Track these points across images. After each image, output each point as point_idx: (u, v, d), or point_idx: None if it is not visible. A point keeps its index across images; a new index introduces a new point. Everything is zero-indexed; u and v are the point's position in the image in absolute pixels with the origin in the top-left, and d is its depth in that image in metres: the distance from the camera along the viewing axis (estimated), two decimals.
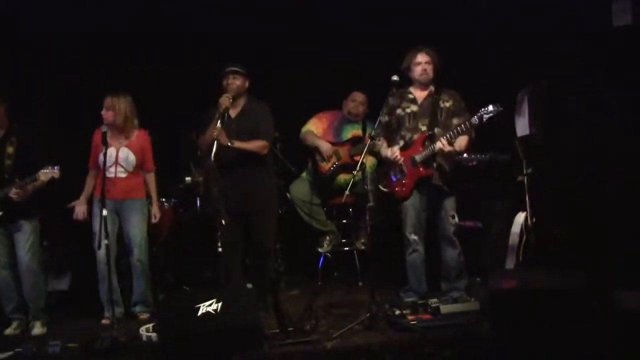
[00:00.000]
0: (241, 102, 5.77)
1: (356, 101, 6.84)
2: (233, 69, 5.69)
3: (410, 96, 5.81)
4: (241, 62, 5.77)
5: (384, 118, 5.79)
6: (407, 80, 5.80)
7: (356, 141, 6.76)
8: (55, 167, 5.52)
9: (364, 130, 6.66)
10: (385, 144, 5.85)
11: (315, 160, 6.78)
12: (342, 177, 6.70)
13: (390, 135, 5.86)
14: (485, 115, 5.37)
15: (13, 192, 5.60)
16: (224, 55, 6.13)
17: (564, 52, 6.23)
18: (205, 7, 7.23)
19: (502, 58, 6.59)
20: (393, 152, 5.75)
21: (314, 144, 6.76)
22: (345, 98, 6.92)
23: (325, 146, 6.72)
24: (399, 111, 5.80)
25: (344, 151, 6.74)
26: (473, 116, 5.45)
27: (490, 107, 5.36)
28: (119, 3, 7.06)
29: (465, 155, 5.96)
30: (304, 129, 6.87)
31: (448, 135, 5.53)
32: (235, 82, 5.68)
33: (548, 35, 6.41)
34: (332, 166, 6.70)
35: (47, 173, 5.51)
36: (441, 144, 5.52)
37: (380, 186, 5.96)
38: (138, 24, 7.17)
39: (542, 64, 6.35)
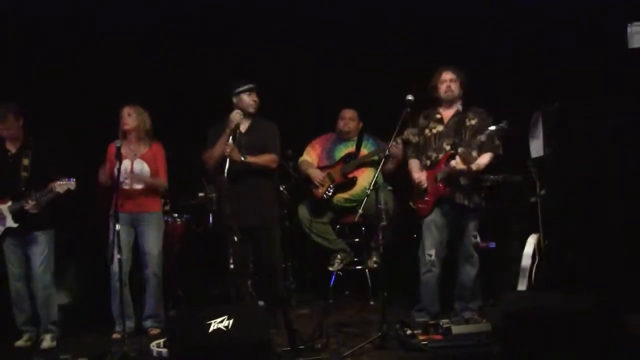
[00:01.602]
0: (250, 118, 5.81)
1: (345, 118, 6.83)
2: (251, 86, 5.77)
3: (438, 116, 5.86)
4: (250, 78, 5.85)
5: (414, 139, 5.82)
6: (434, 100, 5.86)
7: (348, 158, 6.75)
8: (72, 179, 5.56)
9: (358, 145, 6.66)
10: (415, 162, 5.91)
11: (311, 189, 6.78)
12: (341, 197, 6.69)
13: (419, 156, 5.93)
14: (493, 133, 5.44)
15: (29, 205, 5.63)
16: (233, 73, 6.19)
17: (578, 73, 6.23)
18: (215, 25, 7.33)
19: (516, 79, 6.61)
20: (418, 177, 5.80)
21: (306, 173, 6.78)
22: (336, 118, 6.92)
23: (314, 173, 6.73)
24: (427, 132, 5.86)
25: (336, 172, 6.73)
26: (482, 134, 5.48)
27: (499, 125, 5.42)
28: (131, 19, 7.12)
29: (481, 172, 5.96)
30: (300, 160, 6.91)
31: (465, 154, 5.54)
32: (255, 99, 5.76)
33: (563, 57, 6.42)
34: (327, 190, 6.68)
35: (63, 185, 5.54)
36: (454, 162, 5.54)
37: (410, 203, 5.97)
38: (151, 40, 7.25)
39: (556, 85, 6.35)
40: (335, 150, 6.87)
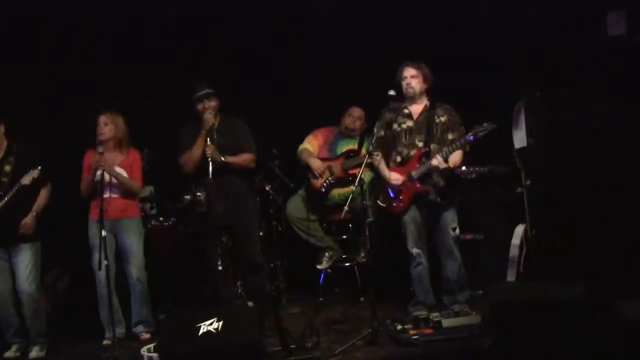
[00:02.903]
0: (217, 120, 5.85)
1: (353, 116, 6.85)
2: (207, 92, 5.83)
3: (406, 111, 5.83)
4: (207, 80, 5.93)
5: (380, 133, 5.80)
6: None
7: (350, 154, 6.76)
8: (37, 168, 5.54)
9: (360, 145, 6.67)
10: (382, 161, 5.85)
11: (308, 178, 6.78)
12: (336, 192, 6.70)
13: (386, 150, 5.88)
14: (479, 133, 5.46)
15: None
16: (225, 72, 6.15)
17: (559, 62, 6.24)
18: (203, 25, 7.28)
19: (498, 70, 6.61)
20: (396, 178, 5.76)
21: (306, 162, 6.77)
22: (342, 113, 6.92)
23: (315, 163, 6.73)
24: (395, 126, 5.82)
25: (337, 166, 6.75)
26: (467, 133, 5.52)
27: (485, 125, 5.44)
28: (116, 15, 7.10)
29: (463, 168, 5.99)
30: (300, 147, 6.88)
31: (443, 152, 5.56)
32: (211, 104, 5.81)
33: (543, 45, 6.43)
34: (325, 182, 6.69)
35: (28, 175, 5.53)
36: (437, 162, 5.55)
37: (378, 201, 5.95)
38: (135, 38, 7.21)
39: (537, 75, 6.36)
40: (337, 144, 6.89)
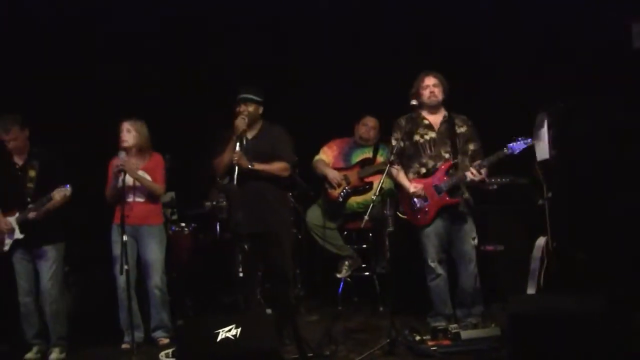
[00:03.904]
0: (257, 126, 5.71)
1: (367, 125, 6.85)
2: (244, 96, 5.63)
3: (426, 122, 5.80)
4: (256, 85, 5.73)
5: (400, 144, 5.76)
6: (411, 106, 5.74)
7: (365, 163, 6.77)
8: (67, 185, 5.56)
9: (374, 153, 6.65)
10: (402, 172, 5.81)
11: (325, 188, 6.78)
12: (354, 200, 6.71)
13: (406, 161, 5.83)
14: (517, 149, 5.47)
15: (31, 214, 5.65)
16: (241, 79, 6.15)
17: (583, 73, 6.22)
18: (220, 34, 7.33)
19: (520, 80, 6.60)
20: (415, 187, 5.70)
21: (323, 173, 6.77)
22: (356, 123, 6.92)
23: (332, 174, 6.73)
24: (416, 137, 5.77)
25: (353, 174, 6.75)
26: (505, 148, 5.51)
27: (528, 140, 5.49)
28: (138, 25, 7.16)
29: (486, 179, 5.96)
30: (315, 158, 6.90)
31: (477, 165, 5.56)
32: (247, 109, 5.59)
33: (567, 56, 6.41)
34: (342, 192, 6.69)
35: (60, 191, 5.55)
36: (472, 175, 5.53)
37: (398, 213, 5.93)
38: (157, 45, 7.27)
39: (561, 85, 6.34)
40: (352, 154, 6.90)
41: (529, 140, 5.49)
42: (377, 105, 6.87)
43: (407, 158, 5.82)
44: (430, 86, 5.74)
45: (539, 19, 6.62)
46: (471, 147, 5.69)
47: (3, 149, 5.80)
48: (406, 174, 5.80)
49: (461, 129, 5.75)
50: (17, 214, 5.72)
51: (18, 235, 5.73)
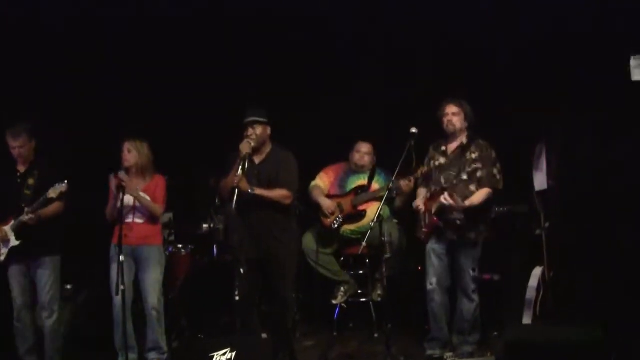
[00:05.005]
0: (266, 149, 5.71)
1: (361, 152, 6.84)
2: (250, 119, 5.63)
3: (442, 148, 5.90)
4: (262, 106, 5.73)
5: (423, 169, 5.86)
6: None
7: (360, 190, 6.76)
8: (64, 182, 5.58)
9: (370, 179, 6.66)
10: (421, 194, 5.94)
11: (319, 216, 6.79)
12: (347, 228, 6.69)
13: (426, 186, 5.96)
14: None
15: (27, 217, 5.64)
16: (242, 104, 6.16)
17: (581, 104, 6.26)
18: (224, 55, 7.38)
19: (520, 110, 6.63)
20: (416, 205, 5.83)
21: (317, 201, 6.77)
22: (351, 150, 6.93)
23: (325, 203, 6.71)
24: (432, 163, 5.90)
25: (346, 202, 6.73)
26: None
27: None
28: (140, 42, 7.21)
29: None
30: (312, 183, 6.88)
31: (451, 188, 5.61)
32: (255, 132, 5.58)
33: (565, 87, 6.45)
34: (335, 220, 6.68)
35: (56, 189, 5.57)
36: (442, 198, 5.57)
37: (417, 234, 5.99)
38: (156, 68, 7.30)
39: (560, 116, 6.37)
40: (347, 180, 6.88)
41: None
42: (371, 129, 6.92)
43: (427, 182, 5.94)
44: (449, 114, 5.80)
45: (538, 52, 6.65)
46: (478, 173, 5.70)
47: (8, 155, 5.85)
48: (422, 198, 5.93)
49: (472, 155, 5.78)
50: (12, 222, 5.71)
51: (14, 242, 5.72)
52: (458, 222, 5.69)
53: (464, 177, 5.70)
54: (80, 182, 5.90)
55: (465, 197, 5.59)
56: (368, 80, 7.25)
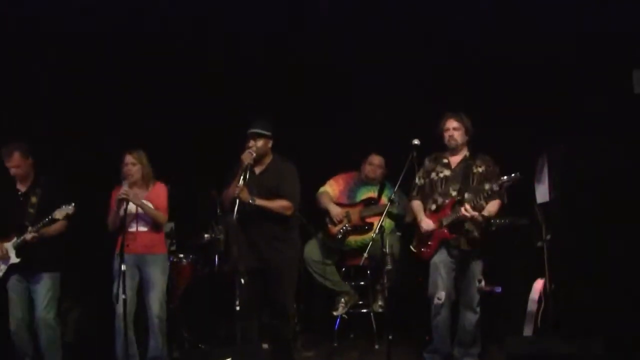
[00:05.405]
0: (267, 159, 5.73)
1: (373, 164, 6.86)
2: (253, 131, 5.65)
3: (445, 161, 5.89)
4: (266, 119, 5.74)
5: (420, 181, 5.87)
6: (443, 145, 5.89)
7: (369, 202, 6.77)
8: (71, 205, 5.59)
9: (380, 192, 6.66)
10: (421, 207, 5.90)
11: (326, 223, 6.79)
12: (353, 239, 6.70)
13: (424, 198, 5.92)
14: (505, 184, 5.46)
15: (29, 236, 5.65)
16: (244, 114, 6.16)
17: (584, 118, 6.27)
18: (227, 66, 7.39)
19: (522, 122, 6.64)
20: (427, 225, 5.78)
21: (325, 207, 6.77)
22: (363, 161, 6.95)
23: (335, 210, 6.73)
24: (433, 175, 5.88)
25: (355, 212, 6.75)
26: (495, 183, 5.53)
27: (512, 175, 5.44)
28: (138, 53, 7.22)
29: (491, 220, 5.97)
30: (321, 189, 6.89)
31: (473, 201, 5.58)
32: (256, 144, 5.60)
33: (568, 100, 6.46)
34: (342, 229, 6.68)
35: (62, 210, 5.58)
36: (464, 210, 5.55)
37: (411, 246, 5.95)
38: (158, 78, 7.31)
39: (561, 128, 6.38)
40: (357, 191, 6.90)
41: (513, 176, 5.46)
42: (383, 142, 6.90)
43: (424, 195, 5.91)
44: (451, 129, 5.81)
45: (540, 66, 6.66)
46: (486, 187, 5.67)
47: (7, 175, 5.84)
48: (424, 210, 5.89)
49: (479, 169, 5.79)
50: (14, 239, 5.72)
51: (14, 259, 5.73)
52: (475, 233, 5.70)
53: (473, 190, 5.70)
54: (81, 192, 5.92)
55: (477, 209, 5.60)
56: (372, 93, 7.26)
